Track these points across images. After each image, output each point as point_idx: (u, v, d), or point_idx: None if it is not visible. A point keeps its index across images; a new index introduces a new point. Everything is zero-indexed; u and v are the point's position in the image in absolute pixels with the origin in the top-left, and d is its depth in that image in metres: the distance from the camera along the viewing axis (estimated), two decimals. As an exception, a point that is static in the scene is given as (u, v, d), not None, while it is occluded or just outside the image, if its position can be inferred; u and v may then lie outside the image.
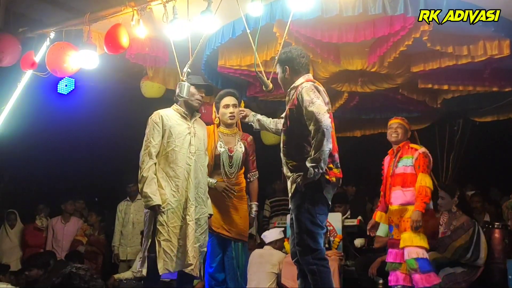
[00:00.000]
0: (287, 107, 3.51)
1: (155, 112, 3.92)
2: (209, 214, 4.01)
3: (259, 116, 3.96)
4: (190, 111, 3.98)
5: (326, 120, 3.18)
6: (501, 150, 7.42)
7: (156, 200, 3.68)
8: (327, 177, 3.31)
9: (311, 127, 3.20)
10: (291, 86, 3.52)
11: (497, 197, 7.06)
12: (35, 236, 7.40)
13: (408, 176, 4.56)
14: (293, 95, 3.46)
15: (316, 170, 3.17)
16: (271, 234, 5.55)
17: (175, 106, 4.01)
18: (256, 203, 4.42)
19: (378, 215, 4.74)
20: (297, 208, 3.36)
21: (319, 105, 3.23)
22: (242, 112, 4.12)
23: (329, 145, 3.19)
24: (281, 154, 3.52)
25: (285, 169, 3.51)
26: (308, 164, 3.19)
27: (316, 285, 3.29)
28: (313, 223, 3.32)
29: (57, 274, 2.56)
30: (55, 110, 6.65)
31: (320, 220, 3.37)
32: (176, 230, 3.76)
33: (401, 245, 4.47)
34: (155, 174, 3.78)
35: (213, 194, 4.24)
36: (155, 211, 3.70)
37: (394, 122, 4.71)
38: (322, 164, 3.18)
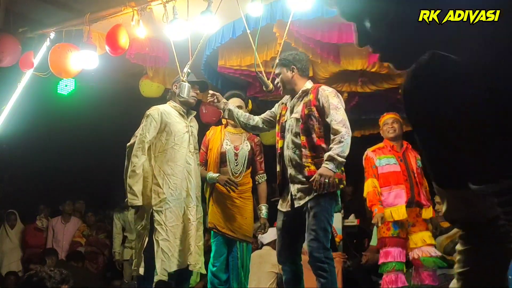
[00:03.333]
0: (300, 108, 3.49)
1: (154, 107, 3.86)
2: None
3: (231, 107, 3.84)
4: (187, 109, 3.96)
5: (349, 127, 3.41)
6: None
7: (141, 200, 3.67)
8: (342, 178, 3.47)
9: (340, 130, 3.35)
10: (302, 89, 3.55)
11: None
12: (36, 236, 7.40)
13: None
14: (308, 97, 3.49)
15: (342, 169, 3.37)
16: (269, 235, 5.55)
17: (171, 103, 3.95)
18: (265, 204, 4.39)
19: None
20: (317, 206, 3.38)
21: (344, 112, 3.42)
22: (214, 96, 3.82)
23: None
24: (291, 155, 3.48)
25: (291, 171, 3.49)
26: (333, 164, 3.30)
27: (327, 283, 3.34)
28: (329, 223, 3.44)
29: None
30: (55, 110, 6.66)
31: (332, 221, 3.52)
32: (175, 230, 3.72)
33: (418, 244, 4.43)
34: (152, 171, 3.75)
35: (218, 194, 4.25)
36: (137, 210, 3.72)
37: (389, 117, 4.66)
38: (342, 166, 3.38)
